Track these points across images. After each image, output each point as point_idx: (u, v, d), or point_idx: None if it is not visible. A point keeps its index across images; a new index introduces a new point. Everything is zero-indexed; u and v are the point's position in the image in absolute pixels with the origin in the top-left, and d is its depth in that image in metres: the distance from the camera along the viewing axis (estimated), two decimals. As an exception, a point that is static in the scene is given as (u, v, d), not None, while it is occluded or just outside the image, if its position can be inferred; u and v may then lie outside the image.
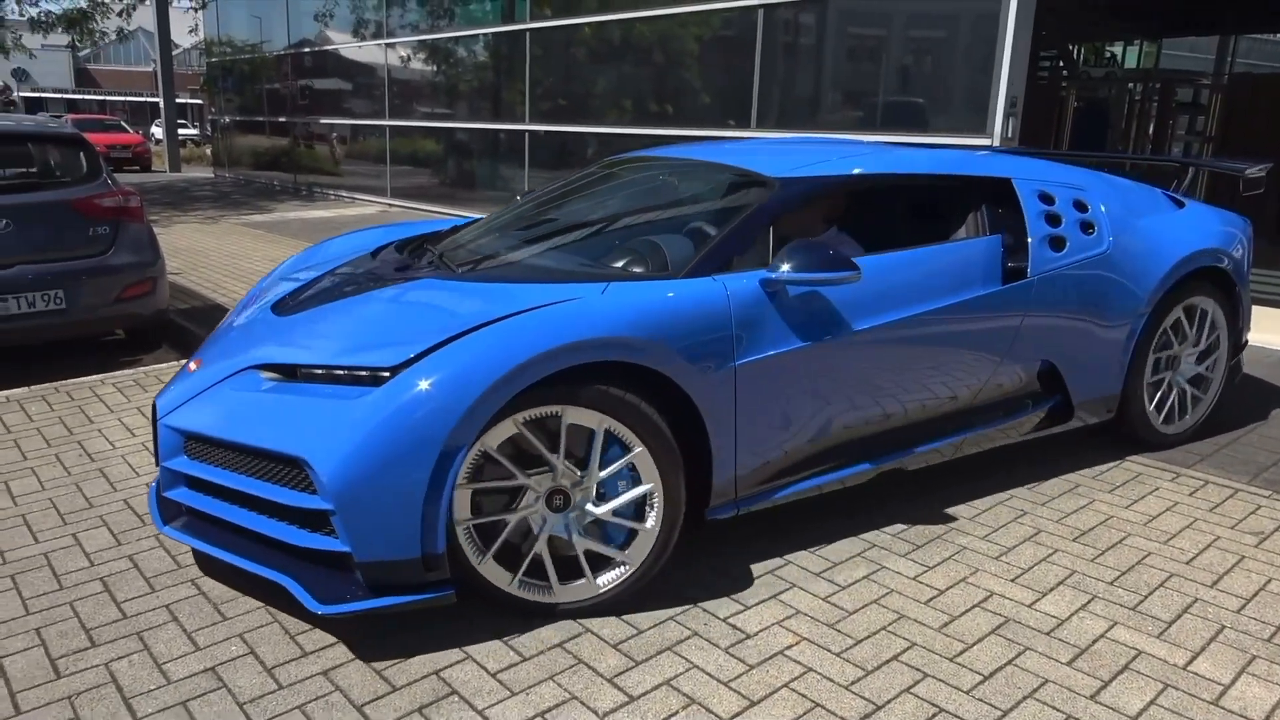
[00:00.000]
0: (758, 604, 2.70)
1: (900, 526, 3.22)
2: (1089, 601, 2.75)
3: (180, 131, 24.43)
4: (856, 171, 3.31)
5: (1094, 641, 2.54)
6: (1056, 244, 3.50)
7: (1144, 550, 3.08)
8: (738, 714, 2.22)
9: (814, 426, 2.97)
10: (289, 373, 2.60)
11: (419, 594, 2.38)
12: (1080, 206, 3.66)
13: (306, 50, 16.02)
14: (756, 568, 2.91)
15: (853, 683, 2.34)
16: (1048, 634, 2.58)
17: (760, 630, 2.57)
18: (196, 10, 18.21)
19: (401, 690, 2.29)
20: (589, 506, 2.57)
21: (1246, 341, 4.34)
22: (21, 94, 41.36)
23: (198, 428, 2.63)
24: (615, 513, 2.59)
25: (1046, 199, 3.58)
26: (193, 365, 2.94)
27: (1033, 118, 8.03)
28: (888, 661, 2.43)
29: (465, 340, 2.41)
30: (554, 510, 2.54)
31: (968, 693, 2.31)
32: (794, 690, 2.31)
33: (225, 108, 19.68)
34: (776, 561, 2.95)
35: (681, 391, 2.61)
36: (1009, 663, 2.44)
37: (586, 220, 3.68)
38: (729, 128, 8.86)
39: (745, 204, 3.10)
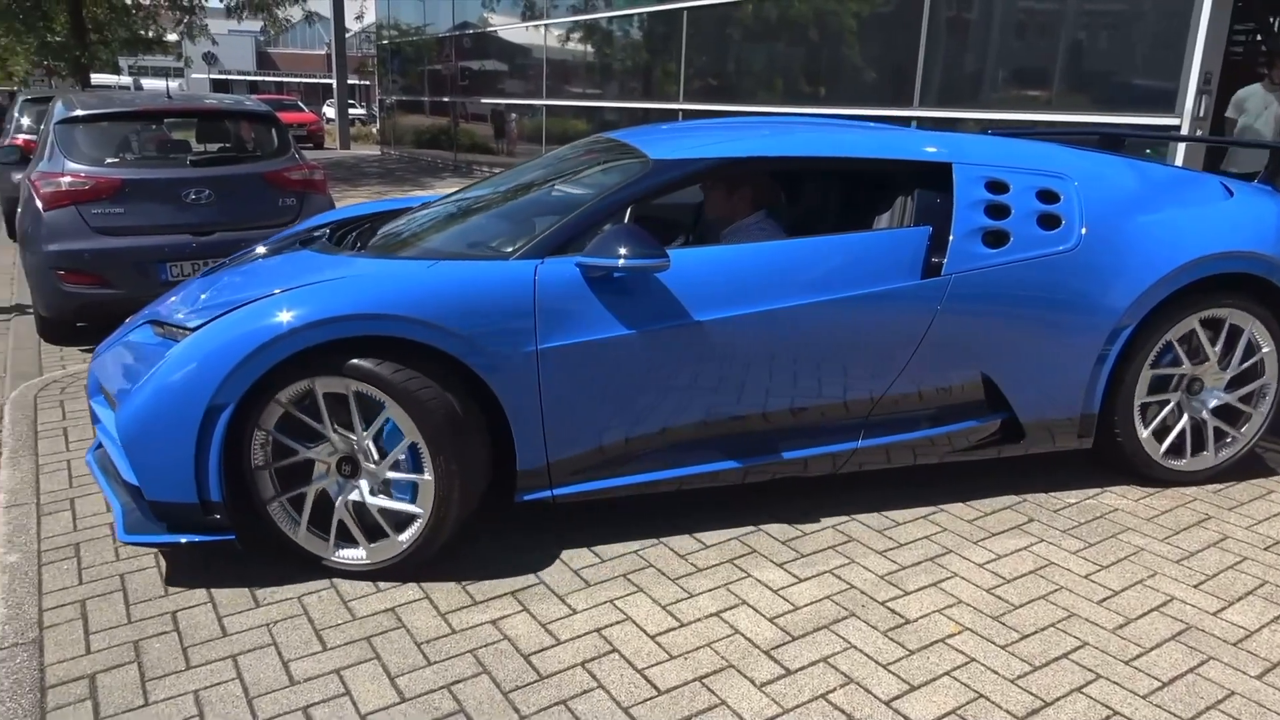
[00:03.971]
0: (917, 590, 2.66)
1: (1069, 523, 3.08)
2: (1282, 614, 2.57)
3: (349, 111, 25.81)
4: (747, 155, 3.09)
5: (1288, 657, 2.37)
6: (994, 239, 3.02)
7: (1348, 565, 2.84)
8: (897, 697, 2.20)
9: (655, 417, 2.81)
10: (163, 327, 2.86)
11: (204, 535, 2.57)
12: (1047, 197, 3.12)
13: (468, 32, 16.60)
14: (915, 554, 2.87)
15: (1019, 677, 2.27)
16: (1234, 645, 2.42)
17: (920, 616, 2.53)
18: None
19: (566, 644, 2.39)
20: (371, 466, 2.64)
21: None
22: (211, 75, 44.74)
23: (97, 371, 3.00)
24: (396, 467, 2.63)
25: (997, 188, 3.09)
26: (129, 319, 3.24)
27: (1223, 98, 7.41)
28: (1057, 659, 2.35)
29: (243, 310, 2.55)
30: (346, 477, 2.66)
31: (1144, 698, 2.20)
32: (955, 679, 2.26)
33: (390, 88, 20.65)
34: (936, 549, 2.89)
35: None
36: (1190, 671, 2.31)
37: (505, 199, 3.52)
38: (889, 107, 8.61)
39: (620, 186, 2.96)
